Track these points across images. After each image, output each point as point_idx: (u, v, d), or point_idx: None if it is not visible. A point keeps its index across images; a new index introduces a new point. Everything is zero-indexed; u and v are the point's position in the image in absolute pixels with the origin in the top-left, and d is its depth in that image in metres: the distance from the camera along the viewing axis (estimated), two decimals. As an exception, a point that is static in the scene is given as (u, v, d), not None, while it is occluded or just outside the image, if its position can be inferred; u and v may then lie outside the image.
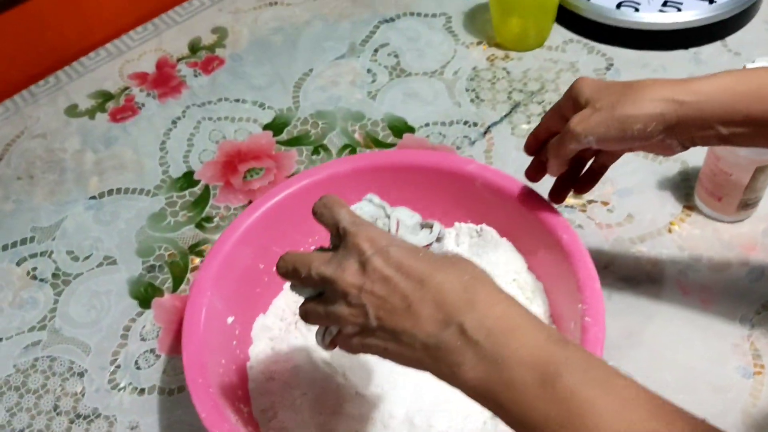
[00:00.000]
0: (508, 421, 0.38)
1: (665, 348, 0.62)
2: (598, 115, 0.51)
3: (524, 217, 0.60)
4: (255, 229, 0.62)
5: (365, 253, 0.42)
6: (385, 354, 0.43)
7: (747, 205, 0.67)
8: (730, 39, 0.84)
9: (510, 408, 0.37)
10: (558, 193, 0.61)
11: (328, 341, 0.46)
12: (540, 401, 0.36)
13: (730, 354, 0.61)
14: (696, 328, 0.63)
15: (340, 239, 0.44)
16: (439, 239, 0.50)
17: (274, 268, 0.46)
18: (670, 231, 0.69)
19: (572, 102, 0.54)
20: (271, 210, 0.63)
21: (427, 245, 0.49)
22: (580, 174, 0.61)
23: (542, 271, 0.62)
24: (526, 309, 0.40)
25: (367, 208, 0.49)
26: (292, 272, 0.45)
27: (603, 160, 0.59)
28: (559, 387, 0.36)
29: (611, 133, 0.51)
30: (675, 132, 0.50)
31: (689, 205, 0.71)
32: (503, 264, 0.63)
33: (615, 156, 0.59)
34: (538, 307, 0.61)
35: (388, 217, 0.49)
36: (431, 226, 0.49)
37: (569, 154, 0.54)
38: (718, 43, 0.84)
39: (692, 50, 0.84)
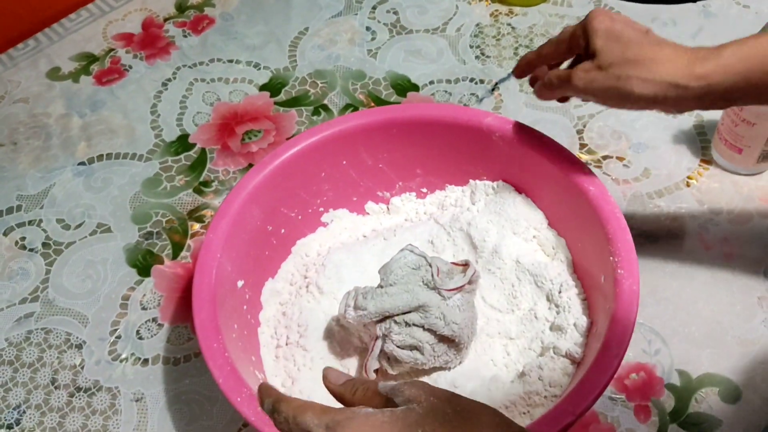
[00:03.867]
0: None
1: (690, 303, 0.60)
2: (603, 78, 0.49)
3: (545, 170, 0.58)
4: (263, 188, 0.59)
5: None
6: None
7: (767, 156, 0.65)
8: (739, -9, 0.82)
9: None
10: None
11: None
12: None
13: (756, 307, 0.59)
14: (720, 282, 0.61)
15: None
16: (471, 282, 0.53)
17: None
18: (688, 185, 0.67)
19: (584, 40, 0.51)
20: (278, 169, 0.60)
21: (461, 287, 0.52)
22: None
23: (564, 226, 0.60)
24: None
25: (410, 257, 0.52)
26: None
27: None
28: None
29: (610, 102, 0.51)
30: (679, 107, 0.49)
31: (706, 159, 0.69)
32: (523, 220, 0.60)
33: None
34: (560, 262, 0.59)
35: (430, 265, 0.52)
36: (464, 269, 0.53)
37: (558, 96, 0.55)
38: (726, -5, 0.82)
39: (701, 3, 0.82)
